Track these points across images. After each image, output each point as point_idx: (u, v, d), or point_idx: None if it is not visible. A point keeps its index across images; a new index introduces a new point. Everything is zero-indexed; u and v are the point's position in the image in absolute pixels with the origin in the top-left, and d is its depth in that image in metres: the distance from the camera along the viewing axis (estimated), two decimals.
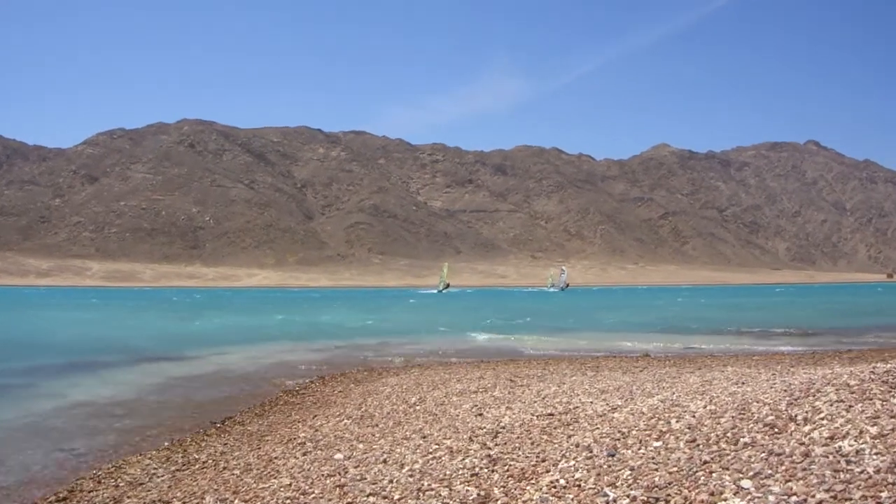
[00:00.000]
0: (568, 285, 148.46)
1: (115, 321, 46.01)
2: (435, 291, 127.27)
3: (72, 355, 24.69)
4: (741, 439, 6.02)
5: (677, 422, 7.11)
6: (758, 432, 6.12)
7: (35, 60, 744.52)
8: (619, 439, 6.89)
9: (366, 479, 7.44)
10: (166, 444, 11.35)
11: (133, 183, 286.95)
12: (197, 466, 9.70)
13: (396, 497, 6.60)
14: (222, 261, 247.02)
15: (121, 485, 9.05)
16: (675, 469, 5.66)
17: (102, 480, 9.27)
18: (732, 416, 6.77)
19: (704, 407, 7.59)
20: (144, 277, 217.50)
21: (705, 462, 5.65)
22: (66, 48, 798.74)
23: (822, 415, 6.18)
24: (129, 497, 8.55)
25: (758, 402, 7.12)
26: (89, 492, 8.84)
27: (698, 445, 6.13)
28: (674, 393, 9.06)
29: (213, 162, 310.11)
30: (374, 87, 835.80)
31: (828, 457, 5.22)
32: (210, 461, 9.91)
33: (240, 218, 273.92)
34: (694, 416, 7.18)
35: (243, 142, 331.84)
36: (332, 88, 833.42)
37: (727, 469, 5.41)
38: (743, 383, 9.07)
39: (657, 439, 6.62)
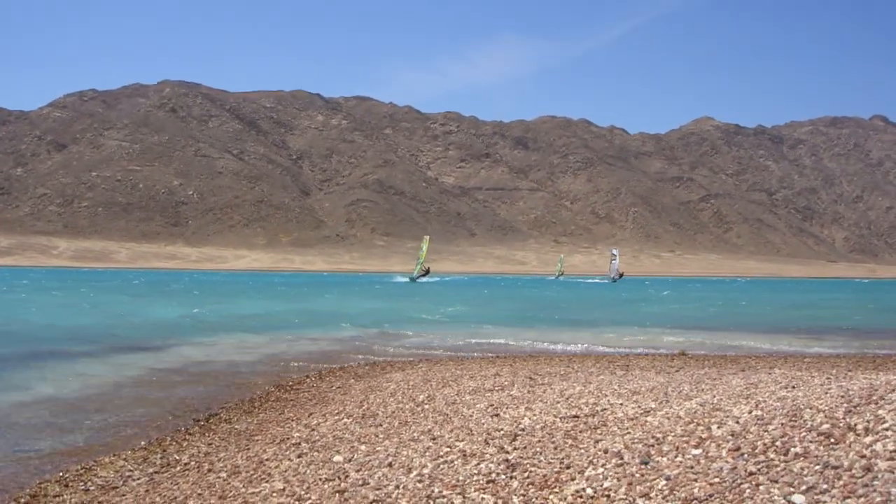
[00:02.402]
0: (622, 275, 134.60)
1: (85, 306, 46.18)
2: (406, 280, 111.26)
3: (35, 344, 24.77)
4: (792, 449, 6.02)
5: (719, 428, 7.11)
6: (811, 442, 6.11)
7: None
8: (652, 445, 6.90)
9: (369, 483, 7.48)
10: (143, 443, 11.42)
11: (106, 151, 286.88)
12: (178, 468, 9.76)
13: None
14: (207, 240, 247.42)
15: (91, 489, 9.10)
16: (717, 480, 5.67)
17: (70, 484, 9.31)
18: (782, 423, 6.77)
19: (749, 412, 7.58)
20: (119, 258, 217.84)
21: (751, 473, 5.66)
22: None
23: (886, 425, 6.15)
24: (100, 502, 8.60)
25: (811, 408, 7.11)
26: (55, 496, 8.89)
27: (743, 455, 6.13)
28: (714, 396, 9.05)
29: (198, 129, 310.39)
30: (380, 47, 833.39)
31: (893, 472, 5.21)
32: (193, 463, 9.97)
33: (227, 192, 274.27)
34: (738, 422, 7.18)
35: (232, 107, 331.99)
36: (332, 48, 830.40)
37: (776, 482, 5.41)
38: (793, 387, 9.05)
39: (696, 446, 6.63)
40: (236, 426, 12.45)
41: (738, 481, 5.55)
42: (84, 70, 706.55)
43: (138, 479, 9.39)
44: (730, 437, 6.68)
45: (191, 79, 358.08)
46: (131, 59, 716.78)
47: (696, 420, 7.61)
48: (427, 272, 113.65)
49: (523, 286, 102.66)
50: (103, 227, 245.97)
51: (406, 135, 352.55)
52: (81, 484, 9.26)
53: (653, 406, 8.90)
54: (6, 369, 19.15)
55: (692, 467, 6.07)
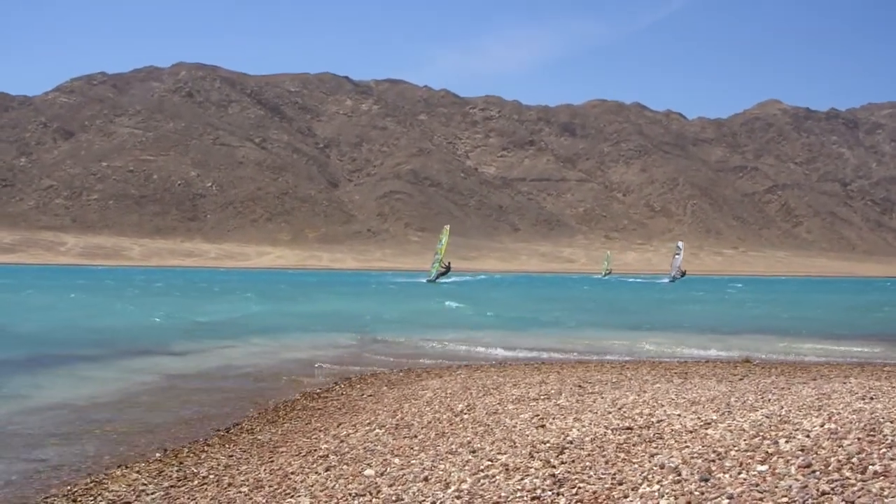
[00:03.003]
0: (685, 273, 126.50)
1: (96, 306, 46.71)
2: (424, 281, 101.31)
3: (42, 348, 25.04)
4: (870, 467, 5.96)
5: (787, 442, 7.07)
6: (892, 459, 6.05)
7: None
8: (713, 461, 6.86)
9: (403, 500, 7.51)
10: (158, 455, 11.49)
11: (117, 139, 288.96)
12: (195, 482, 9.83)
13: None
14: (227, 236, 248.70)
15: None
16: (786, 500, 5.64)
17: (78, 499, 9.37)
18: (858, 439, 6.71)
19: (822, 425, 7.52)
20: (132, 255, 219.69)
21: (824, 493, 5.61)
22: None
23: None
24: None
25: (892, 422, 7.04)
26: None
27: (814, 472, 6.09)
28: (782, 407, 8.99)
29: (217, 115, 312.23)
30: (414, 26, 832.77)
31: None
32: (212, 476, 10.04)
33: (249, 184, 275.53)
34: (808, 437, 7.13)
35: (253, 91, 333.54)
36: (361, 27, 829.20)
37: (852, 503, 5.36)
38: (871, 398, 8.98)
39: (762, 462, 6.59)
40: (259, 437, 12.53)
41: (810, 502, 5.50)
42: (92, 52, 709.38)
43: (153, 493, 9.45)
44: (800, 453, 6.64)
45: (208, 61, 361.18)
46: (143, 40, 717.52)
47: (761, 433, 7.57)
48: (447, 269, 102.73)
49: (567, 286, 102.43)
50: (114, 221, 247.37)
51: (443, 121, 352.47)
52: (91, 499, 9.32)
53: (714, 418, 8.85)
54: (12, 374, 19.38)
55: (757, 485, 6.03)
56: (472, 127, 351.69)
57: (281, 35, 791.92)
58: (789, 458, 6.55)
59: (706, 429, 8.26)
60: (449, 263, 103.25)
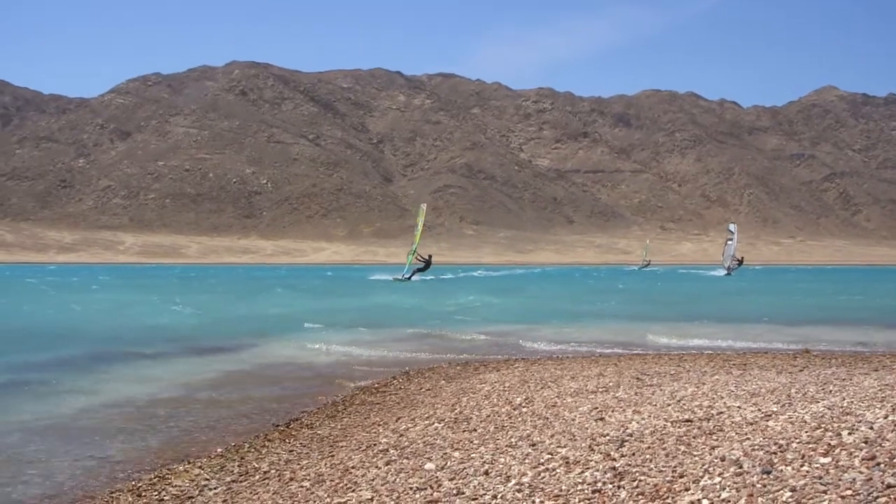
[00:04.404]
0: (741, 262, 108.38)
1: (155, 304, 47.30)
2: (391, 279, 78.71)
3: (103, 345, 25.41)
4: None
5: (850, 434, 7.00)
6: None
7: None
8: (775, 453, 6.82)
9: (464, 493, 7.53)
10: (220, 450, 11.65)
11: (173, 139, 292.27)
12: (257, 477, 9.95)
13: None
14: (283, 232, 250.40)
15: (166, 498, 9.32)
16: (850, 492, 5.58)
17: (143, 493, 9.55)
18: None
19: (885, 417, 7.44)
20: (189, 253, 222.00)
21: (889, 486, 5.56)
22: None
23: None
24: None
25: None
26: None
27: (879, 464, 6.02)
28: (844, 398, 8.89)
29: (270, 113, 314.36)
30: (465, 19, 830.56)
31: None
32: (273, 471, 10.15)
33: (304, 180, 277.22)
34: (871, 428, 7.05)
35: (306, 88, 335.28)
36: (412, 22, 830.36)
37: None
38: None
39: (824, 455, 6.53)
40: (319, 431, 12.62)
41: (875, 494, 5.45)
42: (147, 53, 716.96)
43: (215, 488, 9.57)
44: (863, 445, 6.57)
45: (261, 59, 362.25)
46: (197, 40, 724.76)
47: (823, 425, 7.50)
48: (428, 264, 77.99)
49: (616, 278, 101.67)
50: (171, 219, 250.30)
51: (495, 114, 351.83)
52: (155, 493, 9.48)
53: (774, 409, 8.78)
54: (75, 372, 19.69)
55: (820, 478, 5.97)
56: (525, 119, 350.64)
57: (332, 31, 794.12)
58: (852, 450, 6.48)
59: (767, 421, 8.20)
60: (430, 257, 79.56)
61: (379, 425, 12.44)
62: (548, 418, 10.67)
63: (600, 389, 12.78)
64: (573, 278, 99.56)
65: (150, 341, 26.31)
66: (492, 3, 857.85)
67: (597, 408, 10.75)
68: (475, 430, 10.79)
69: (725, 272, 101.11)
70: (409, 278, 76.64)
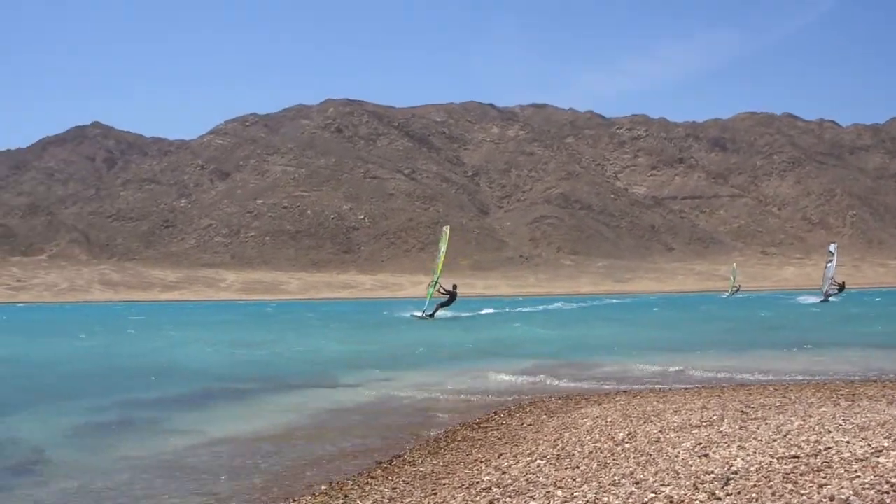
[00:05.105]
0: (843, 287, 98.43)
1: (256, 341, 48.00)
2: (412, 316, 68.42)
3: (206, 382, 25.86)
4: None
5: None
6: None
7: (148, 37, 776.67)
8: (887, 492, 6.67)
9: None
10: (324, 487, 11.77)
11: (271, 177, 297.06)
12: None
13: None
14: (381, 266, 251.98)
15: None
16: None
17: None
18: None
19: None
20: (290, 288, 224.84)
21: None
22: (185, 23, 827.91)
23: None
24: None
25: None
26: None
27: None
28: None
29: (366, 149, 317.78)
30: (555, 49, 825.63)
31: None
32: None
33: (400, 215, 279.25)
34: None
35: (400, 123, 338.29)
36: (502, 54, 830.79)
37: None
38: None
39: None
40: (421, 468, 12.66)
41: None
42: (243, 93, 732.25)
43: None
44: None
45: (355, 96, 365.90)
46: (292, 80, 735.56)
47: None
48: (452, 297, 66.68)
49: (702, 305, 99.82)
50: (271, 256, 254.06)
51: (590, 143, 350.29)
52: None
53: (885, 444, 8.57)
54: (181, 409, 20.15)
55: None
56: (619, 147, 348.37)
57: (424, 67, 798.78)
58: None
59: (877, 457, 8.01)
60: (454, 287, 67.73)
61: (481, 462, 12.44)
62: (651, 454, 10.58)
63: (704, 423, 12.61)
64: (669, 307, 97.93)
65: (248, 378, 26.69)
66: (580, 32, 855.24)
67: (700, 443, 10.62)
68: (577, 467, 10.74)
69: (822, 298, 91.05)
70: (433, 315, 65.85)
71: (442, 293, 66.31)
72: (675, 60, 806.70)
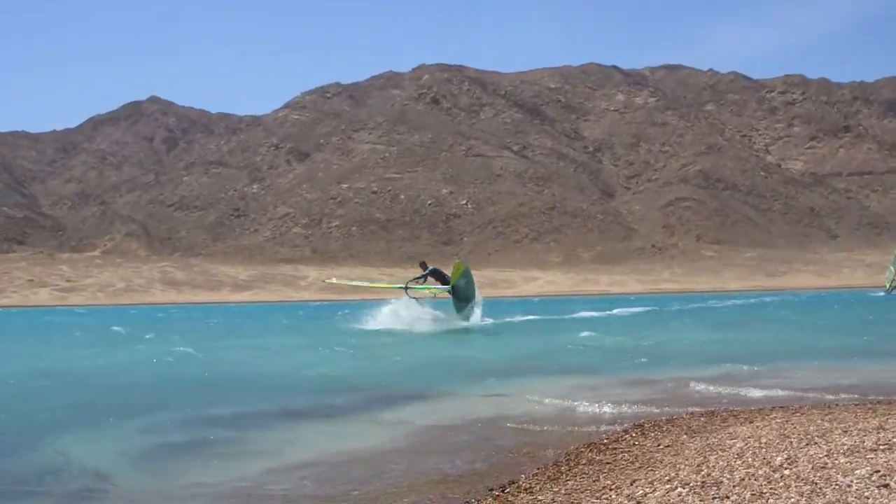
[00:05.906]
0: None
1: (340, 348, 48.34)
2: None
3: (288, 397, 25.99)
4: None
5: None
6: None
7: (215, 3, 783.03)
8: None
9: None
10: None
11: (357, 157, 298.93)
12: None
13: None
14: (488, 260, 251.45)
15: None
16: None
17: None
18: None
19: None
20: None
21: None
22: None
23: None
24: None
25: None
26: None
27: None
28: None
29: (467, 122, 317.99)
30: (690, 0, 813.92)
31: None
32: None
33: (509, 199, 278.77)
34: None
35: (507, 91, 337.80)
36: (626, 7, 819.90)
37: None
38: None
39: None
40: (540, 497, 12.57)
41: None
42: (324, 60, 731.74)
43: None
44: None
45: (453, 61, 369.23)
46: (379, 43, 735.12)
47: None
48: (433, 276, 62.84)
49: (867, 304, 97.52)
50: (359, 249, 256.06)
51: (734, 110, 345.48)
52: None
53: None
54: (260, 428, 20.26)
55: None
56: (770, 115, 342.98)
57: (533, 25, 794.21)
58: None
59: None
60: (424, 265, 65.31)
61: (611, 489, 12.30)
62: (816, 483, 10.37)
63: (881, 447, 12.29)
64: (829, 305, 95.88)
65: (329, 391, 26.73)
66: None
67: (878, 471, 10.37)
68: (727, 496, 10.58)
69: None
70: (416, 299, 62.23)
71: (420, 281, 63.56)
72: (837, 6, 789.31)
